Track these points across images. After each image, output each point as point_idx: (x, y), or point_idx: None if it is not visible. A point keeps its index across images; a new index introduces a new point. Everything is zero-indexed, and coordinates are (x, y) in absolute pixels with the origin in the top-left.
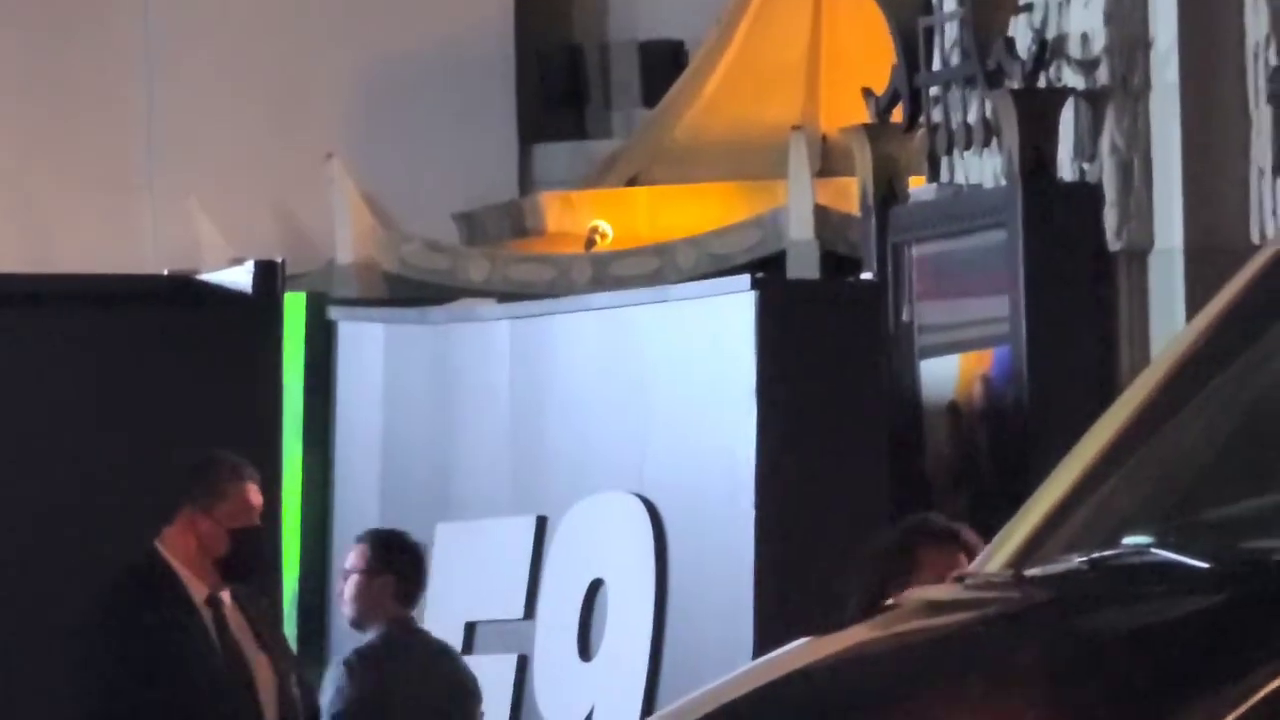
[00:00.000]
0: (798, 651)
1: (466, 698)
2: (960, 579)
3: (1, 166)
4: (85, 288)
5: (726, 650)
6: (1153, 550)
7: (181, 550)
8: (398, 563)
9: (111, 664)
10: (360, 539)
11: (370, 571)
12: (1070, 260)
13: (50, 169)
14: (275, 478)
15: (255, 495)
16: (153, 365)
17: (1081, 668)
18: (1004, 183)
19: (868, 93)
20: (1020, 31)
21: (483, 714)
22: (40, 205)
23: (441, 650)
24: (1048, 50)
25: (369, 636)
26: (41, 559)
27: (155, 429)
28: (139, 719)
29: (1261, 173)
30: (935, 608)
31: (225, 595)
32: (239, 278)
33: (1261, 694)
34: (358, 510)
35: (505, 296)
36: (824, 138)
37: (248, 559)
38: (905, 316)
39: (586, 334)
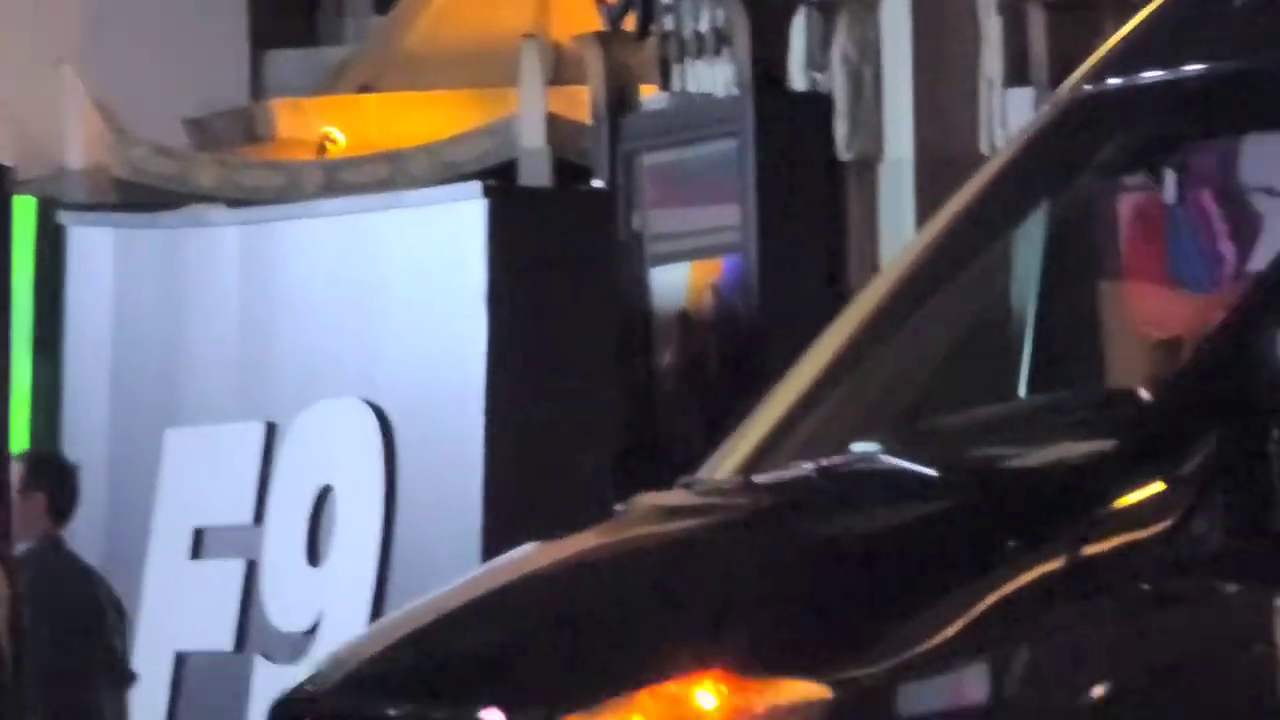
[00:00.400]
0: (523, 558)
1: (102, 615)
2: (688, 485)
3: None
4: None
5: (456, 556)
6: (881, 457)
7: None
8: (49, 480)
9: None
10: (16, 457)
11: (24, 489)
12: (800, 170)
13: None
14: (3, 385)
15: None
16: None
17: (795, 567)
18: (735, 92)
19: (600, 1)
20: None
21: (122, 631)
22: None
23: (85, 570)
24: None
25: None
26: None
27: None
28: None
29: (991, 84)
30: (663, 513)
31: None
32: None
33: (989, 599)
34: (88, 417)
35: (235, 202)
36: (556, 46)
37: None
38: (636, 225)
39: (317, 240)
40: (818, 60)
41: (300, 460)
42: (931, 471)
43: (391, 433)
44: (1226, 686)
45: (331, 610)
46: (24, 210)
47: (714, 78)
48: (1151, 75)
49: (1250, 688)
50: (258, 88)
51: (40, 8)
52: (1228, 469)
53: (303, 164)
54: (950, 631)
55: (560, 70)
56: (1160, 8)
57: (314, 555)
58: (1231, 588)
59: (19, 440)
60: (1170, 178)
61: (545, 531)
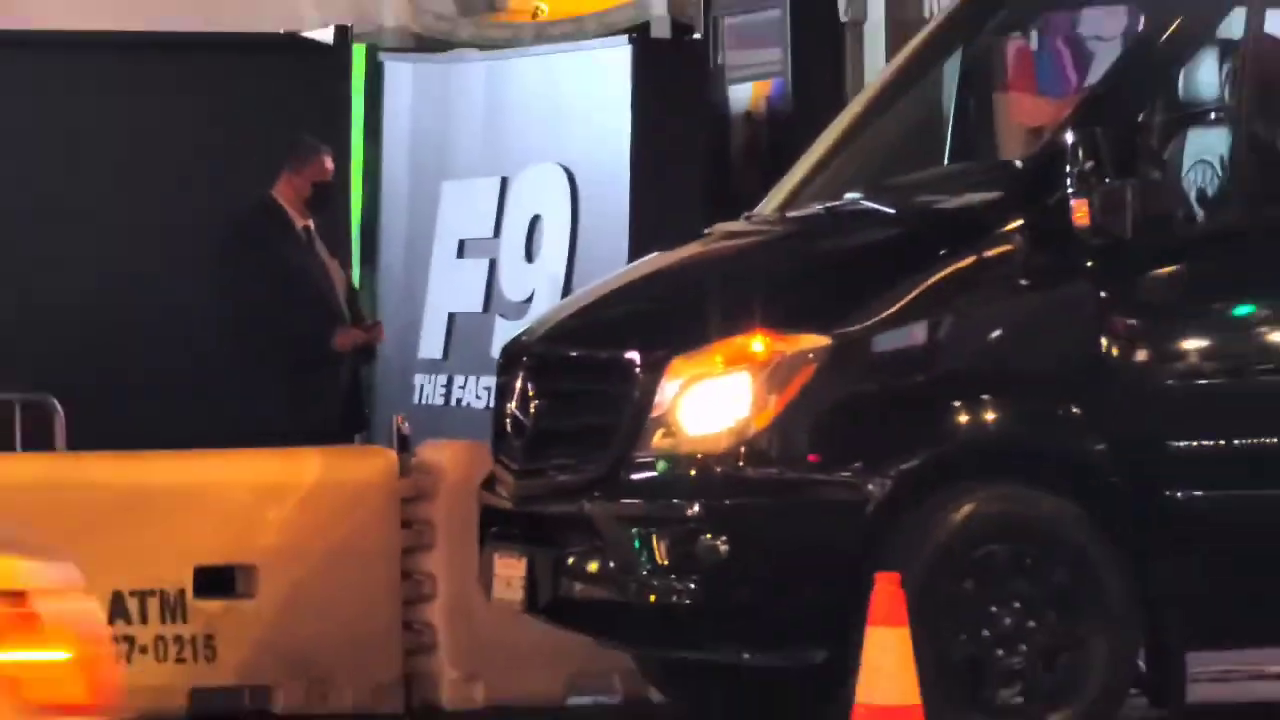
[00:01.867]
0: (649, 261)
1: None
2: (748, 217)
3: None
4: (233, 40)
5: (611, 259)
6: (862, 202)
7: (285, 195)
8: None
9: (254, 269)
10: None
11: None
12: (818, 27)
13: None
14: (345, 151)
15: (329, 162)
16: (267, 94)
17: (812, 266)
18: None
19: None
20: None
21: None
22: None
23: None
24: None
25: None
26: (186, 211)
27: (273, 129)
28: (274, 307)
29: None
30: (732, 234)
31: (311, 223)
32: (325, 36)
33: (925, 285)
34: (394, 175)
35: (483, 48)
36: None
37: (324, 201)
38: (719, 60)
39: (530, 71)
40: None
41: (521, 199)
42: (891, 210)
43: (576, 184)
44: (1065, 333)
45: (540, 289)
46: (357, 53)
47: None
48: None
49: (1073, 335)
50: None
51: None
52: (1064, 206)
53: (522, 24)
54: (901, 303)
55: None
56: None
57: (529, 255)
58: (1065, 273)
59: (355, 188)
60: (1035, 33)
61: (664, 243)
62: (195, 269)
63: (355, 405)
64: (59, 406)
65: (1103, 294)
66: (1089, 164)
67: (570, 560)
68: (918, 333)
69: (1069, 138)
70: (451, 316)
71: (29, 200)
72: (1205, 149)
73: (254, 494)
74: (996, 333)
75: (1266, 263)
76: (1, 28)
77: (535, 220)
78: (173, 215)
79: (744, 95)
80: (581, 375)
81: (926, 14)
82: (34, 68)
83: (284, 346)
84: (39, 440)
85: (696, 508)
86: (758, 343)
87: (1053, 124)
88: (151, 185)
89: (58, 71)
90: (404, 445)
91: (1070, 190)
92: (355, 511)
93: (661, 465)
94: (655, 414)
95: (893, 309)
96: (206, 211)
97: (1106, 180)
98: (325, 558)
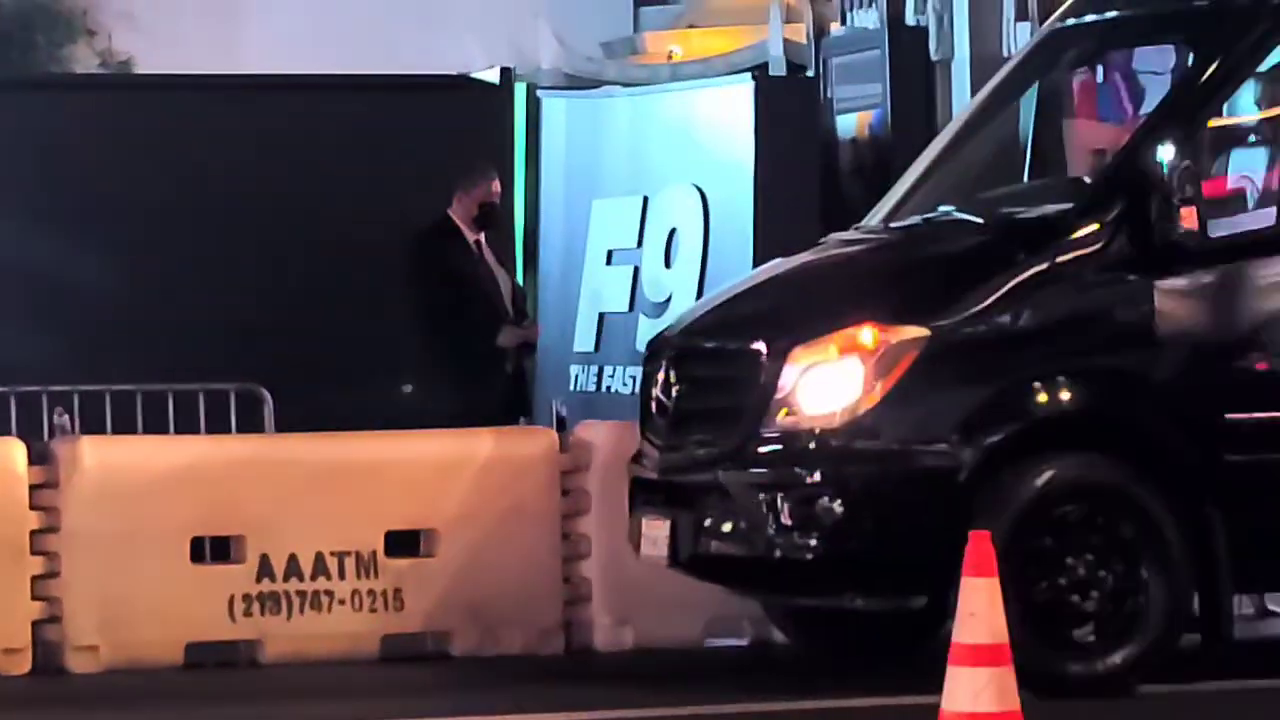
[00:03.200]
0: (773, 266)
1: None
2: (858, 227)
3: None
4: (411, 81)
5: (739, 266)
6: (955, 213)
7: (458, 214)
8: None
9: (433, 277)
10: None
11: None
12: (911, 65)
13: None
14: (509, 175)
15: (495, 185)
16: (442, 126)
17: (912, 269)
18: (878, 27)
19: None
20: None
21: None
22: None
23: None
24: None
25: None
26: (376, 227)
27: (448, 157)
28: (450, 309)
29: (1009, 20)
30: (843, 243)
31: (481, 237)
32: (490, 76)
33: (1008, 285)
34: (553, 196)
35: (627, 85)
36: (788, 4)
37: (491, 218)
38: (828, 94)
39: (668, 104)
40: (921, 9)
41: (661, 214)
42: (980, 220)
43: (708, 202)
44: (1129, 323)
45: (677, 292)
46: (519, 91)
47: (869, 19)
48: (1089, 17)
49: (1135, 324)
50: (636, 25)
51: None
52: (1129, 216)
53: (659, 65)
54: (989, 300)
55: (790, 15)
56: None
57: (668, 262)
58: (1131, 277)
59: (519, 224)
60: (1099, 68)
61: (784, 251)
62: (384, 278)
63: (520, 392)
64: (268, 394)
65: (1160, 287)
66: (1168, 177)
67: (707, 521)
68: (1003, 324)
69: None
70: (601, 316)
71: (241, 220)
72: (1248, 166)
73: (435, 468)
74: (1069, 322)
75: None
76: (218, 72)
77: (673, 233)
78: (364, 232)
79: (850, 124)
80: (715, 363)
81: (1006, 53)
82: (238, 108)
83: (458, 342)
84: (251, 424)
85: (815, 475)
86: (867, 334)
87: (1113, 147)
88: (346, 206)
89: (260, 110)
90: (561, 425)
91: (1176, 198)
92: (522, 482)
93: (785, 439)
94: (779, 395)
95: (982, 304)
96: (394, 227)
97: (1170, 193)
98: (496, 522)
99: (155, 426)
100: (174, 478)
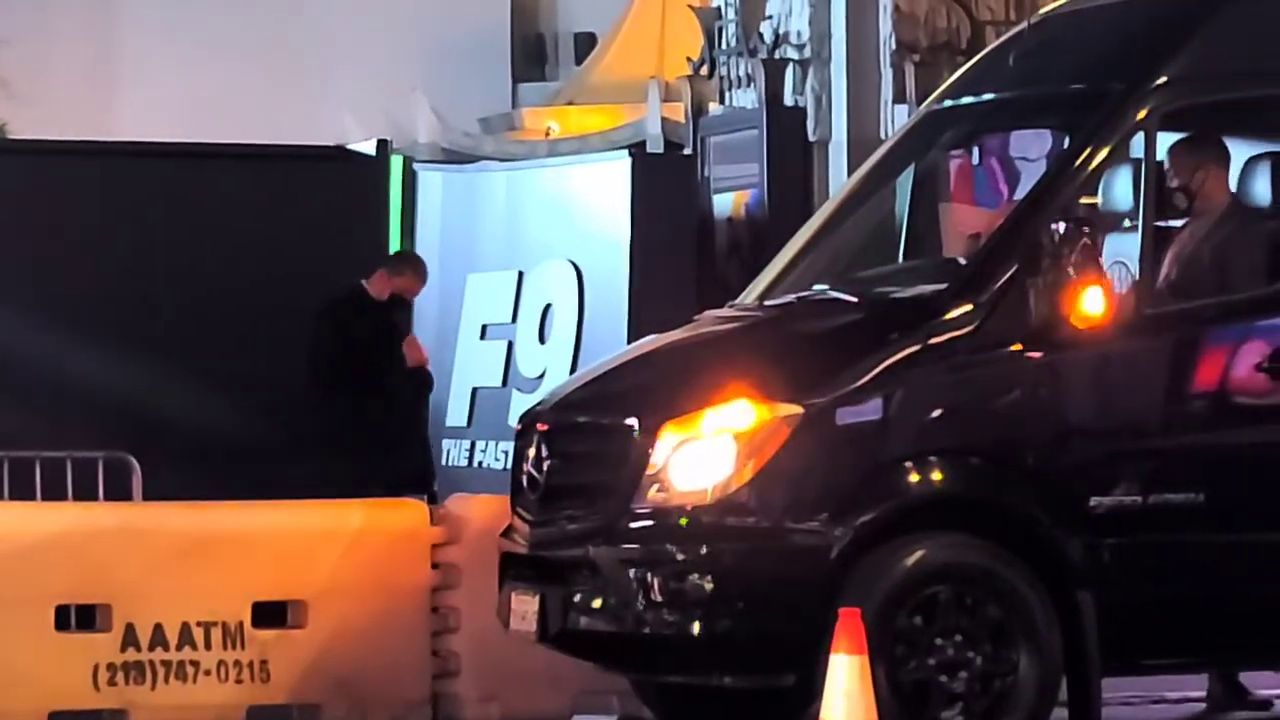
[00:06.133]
0: (646, 342)
1: None
2: (732, 305)
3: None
4: (287, 151)
5: (612, 342)
6: (829, 292)
7: (374, 290)
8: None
9: (351, 342)
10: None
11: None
12: (789, 145)
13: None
14: (384, 246)
15: (420, 287)
16: (318, 196)
17: (785, 346)
18: (757, 106)
19: (691, 60)
20: (766, 27)
21: None
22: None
23: None
24: (779, 39)
25: None
26: (251, 293)
27: (321, 233)
28: (367, 375)
29: (886, 103)
30: (718, 319)
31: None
32: (367, 149)
33: (881, 363)
34: (430, 271)
35: (503, 161)
36: (666, 82)
37: (400, 309)
38: (706, 173)
39: (545, 180)
40: (800, 90)
41: (536, 289)
42: (854, 299)
43: (583, 277)
44: (1001, 405)
45: (551, 367)
46: (395, 164)
47: (747, 99)
48: (966, 99)
49: (1006, 405)
50: (515, 101)
51: (400, 57)
52: (1001, 298)
53: (537, 141)
54: (862, 379)
55: (669, 94)
56: (969, 65)
57: (542, 338)
58: (1002, 354)
59: None
60: (975, 151)
61: (659, 327)
62: (258, 347)
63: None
64: (136, 463)
65: (1031, 370)
66: (1044, 262)
67: (577, 597)
68: (877, 402)
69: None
70: (475, 390)
71: (113, 286)
72: (1120, 251)
73: (305, 539)
74: (942, 402)
75: (1167, 346)
76: (87, 138)
77: (548, 308)
78: (239, 300)
79: (727, 202)
80: (588, 438)
81: (883, 134)
82: (114, 174)
83: (376, 407)
84: (119, 493)
85: (686, 552)
86: (739, 411)
87: (987, 230)
88: (220, 272)
89: (136, 176)
90: (433, 499)
91: (1051, 279)
92: (392, 555)
93: (656, 516)
94: (650, 472)
95: (856, 382)
96: (269, 295)
97: (1045, 275)
98: (366, 594)
99: (22, 494)
100: (40, 544)
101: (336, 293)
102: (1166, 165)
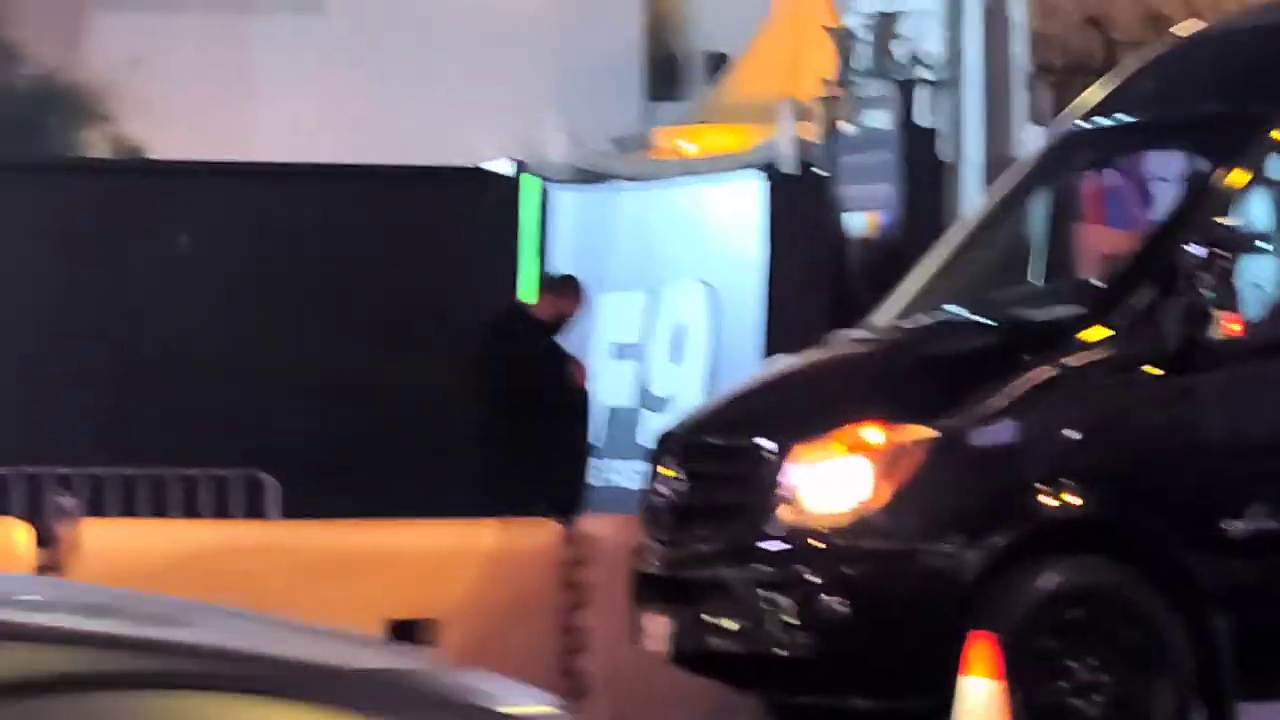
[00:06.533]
0: (778, 364)
1: None
2: (865, 325)
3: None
4: (422, 171)
5: (746, 363)
6: (963, 314)
7: (539, 311)
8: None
9: (518, 363)
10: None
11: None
12: (922, 166)
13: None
14: (516, 266)
15: (581, 302)
16: (452, 216)
17: (920, 369)
18: (890, 128)
19: (824, 81)
20: (899, 49)
21: None
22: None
23: None
24: (913, 60)
25: None
26: (393, 310)
27: (455, 252)
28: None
29: (1020, 124)
30: (851, 341)
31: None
32: (501, 168)
33: (1016, 386)
34: None
35: (634, 179)
36: (800, 103)
37: (560, 331)
38: (839, 193)
39: (677, 197)
40: (934, 110)
41: (669, 309)
42: (990, 321)
43: (716, 299)
44: (1136, 427)
45: (684, 387)
46: (529, 183)
47: (881, 120)
48: (1101, 121)
49: (1144, 426)
50: (648, 121)
51: (534, 76)
52: (1138, 319)
53: (670, 161)
54: (996, 402)
55: (802, 114)
56: (1104, 86)
57: (674, 358)
58: (1138, 377)
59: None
60: (1110, 173)
61: (792, 348)
62: (387, 362)
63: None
64: (273, 481)
65: (1166, 393)
66: (1180, 284)
67: (709, 618)
68: (1011, 425)
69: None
70: (612, 410)
71: (253, 305)
72: (1256, 274)
73: (438, 558)
74: (1077, 425)
75: None
76: (223, 158)
77: (680, 328)
78: (377, 315)
79: (860, 223)
80: (721, 460)
81: (1017, 156)
82: (249, 194)
83: (539, 429)
84: (255, 510)
85: (819, 573)
86: (873, 433)
87: (1122, 251)
88: (356, 290)
89: (272, 196)
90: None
91: (1192, 301)
92: (525, 574)
93: (789, 537)
94: (784, 493)
95: (989, 405)
96: (405, 313)
97: (1183, 297)
98: (498, 613)
99: (157, 511)
100: (175, 562)
101: (499, 312)
102: None
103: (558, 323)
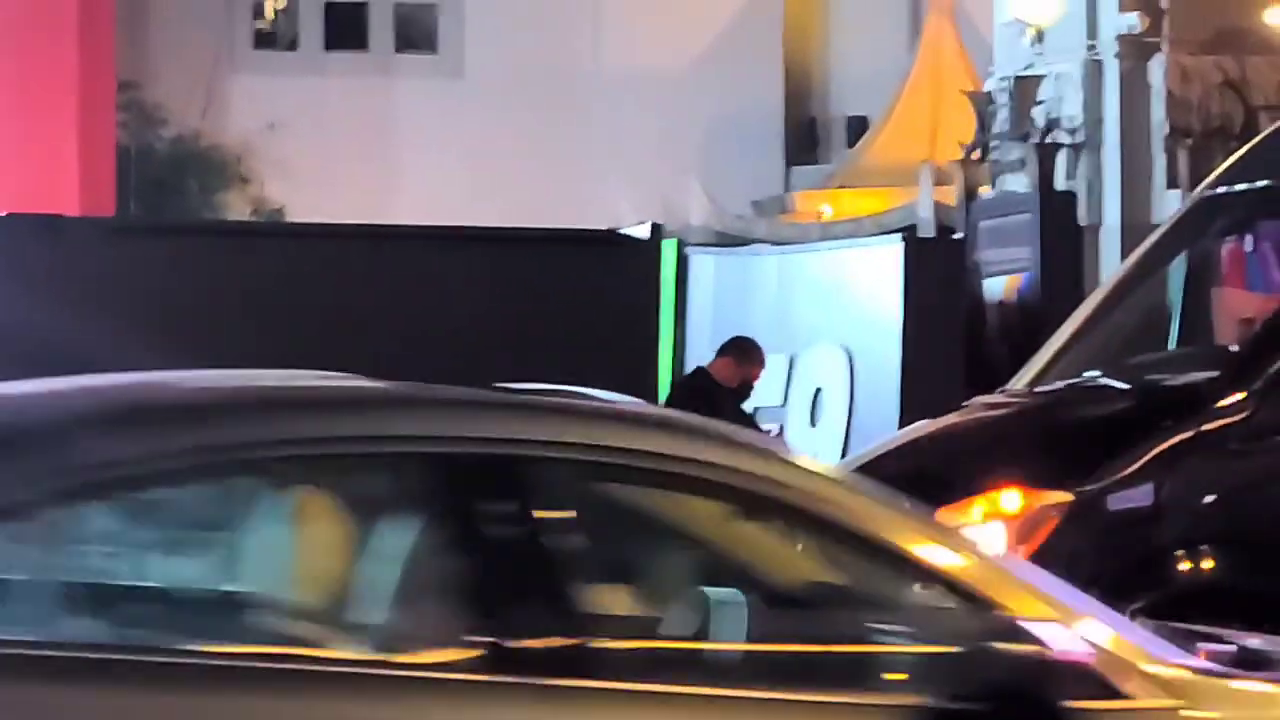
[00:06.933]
0: (918, 428)
1: None
2: (1003, 391)
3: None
4: (560, 235)
5: (884, 427)
6: (1101, 379)
7: (721, 375)
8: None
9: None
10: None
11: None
12: (1062, 229)
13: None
14: (655, 329)
15: (762, 365)
16: (592, 279)
17: (1056, 433)
18: (1030, 190)
19: (962, 144)
20: (1038, 113)
21: None
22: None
23: None
24: (1051, 123)
25: None
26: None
27: (594, 316)
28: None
29: (1159, 187)
30: (988, 405)
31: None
32: (640, 232)
33: (1153, 451)
34: (700, 358)
35: (775, 244)
36: (938, 165)
37: (742, 398)
38: (977, 256)
39: (816, 263)
40: (1072, 174)
41: (807, 372)
42: (1127, 386)
43: (854, 362)
44: (1274, 494)
45: (822, 450)
46: (668, 247)
47: (1019, 183)
48: (1240, 185)
49: (1273, 484)
50: (787, 185)
51: (674, 139)
52: (1275, 384)
53: (809, 224)
54: (1133, 467)
55: (940, 177)
56: (1243, 150)
57: (813, 421)
58: (1276, 442)
59: (664, 379)
60: (1249, 238)
61: (930, 412)
62: None
63: None
64: None
65: None
66: None
67: None
68: (1148, 490)
69: None
70: None
71: (389, 367)
72: None
73: None
74: (1214, 490)
75: None
76: (364, 221)
77: (818, 391)
78: (515, 379)
79: (998, 286)
80: None
81: (1155, 220)
82: (389, 257)
83: None
84: None
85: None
86: (1010, 497)
87: (1261, 316)
88: (495, 354)
89: (412, 259)
90: None
91: None
92: None
93: None
94: None
95: (1126, 470)
96: (540, 375)
97: None
98: None
99: None
100: None
101: (686, 380)
102: None
103: (743, 387)
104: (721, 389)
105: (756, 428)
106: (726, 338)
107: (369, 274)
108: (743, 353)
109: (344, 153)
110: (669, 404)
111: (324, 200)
